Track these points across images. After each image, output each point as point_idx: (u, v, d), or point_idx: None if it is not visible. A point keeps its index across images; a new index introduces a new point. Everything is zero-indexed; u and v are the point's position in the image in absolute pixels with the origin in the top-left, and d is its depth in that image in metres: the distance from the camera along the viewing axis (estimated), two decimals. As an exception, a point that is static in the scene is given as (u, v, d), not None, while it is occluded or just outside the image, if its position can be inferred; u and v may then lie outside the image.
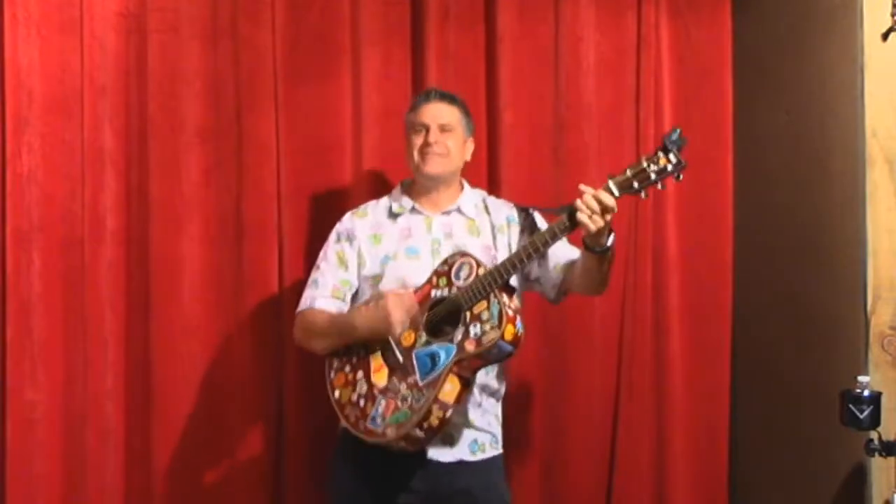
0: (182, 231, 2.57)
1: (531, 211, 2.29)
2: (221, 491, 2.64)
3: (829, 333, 2.54)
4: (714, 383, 2.87)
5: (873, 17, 2.37)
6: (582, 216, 1.92)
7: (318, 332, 2.19)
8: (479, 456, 2.20)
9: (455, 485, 2.17)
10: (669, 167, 1.93)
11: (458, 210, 2.28)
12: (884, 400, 2.25)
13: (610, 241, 2.00)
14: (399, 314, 2.05)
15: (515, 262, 2.03)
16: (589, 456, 2.82)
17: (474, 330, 2.02)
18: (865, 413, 2.21)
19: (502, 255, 2.17)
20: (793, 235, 2.69)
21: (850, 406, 2.23)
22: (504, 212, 2.30)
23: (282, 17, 2.64)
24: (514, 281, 2.13)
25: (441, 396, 2.02)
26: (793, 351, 2.68)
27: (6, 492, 2.50)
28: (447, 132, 2.25)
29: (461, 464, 2.17)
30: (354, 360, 2.15)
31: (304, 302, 2.25)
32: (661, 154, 1.93)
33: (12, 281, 2.50)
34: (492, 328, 2.00)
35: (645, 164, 1.94)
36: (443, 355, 2.04)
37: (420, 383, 2.05)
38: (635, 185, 1.95)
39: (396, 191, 2.33)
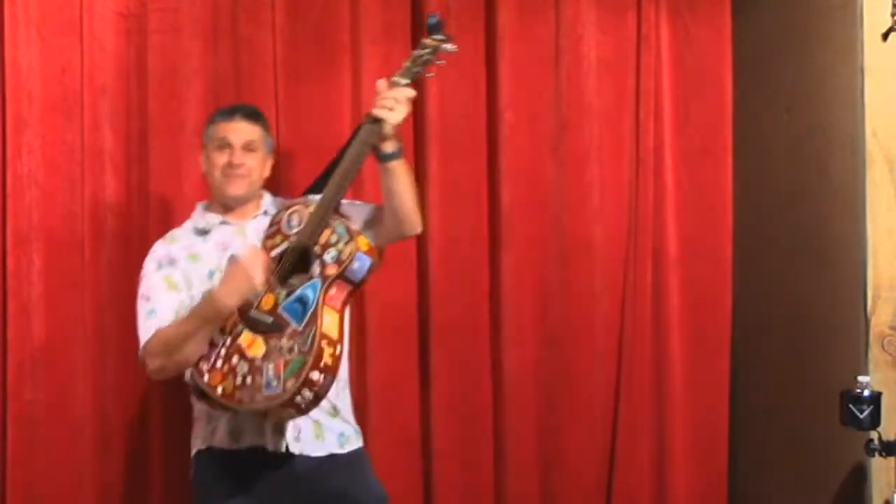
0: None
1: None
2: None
3: (829, 333, 2.55)
4: (714, 383, 2.88)
5: (873, 17, 2.39)
6: (383, 110, 2.02)
7: (179, 339, 2.08)
8: (347, 448, 2.21)
9: (330, 488, 2.17)
10: (441, 45, 2.09)
11: (265, 213, 2.27)
12: (884, 400, 2.27)
13: (398, 145, 2.08)
14: (256, 266, 2.02)
15: (339, 181, 2.06)
16: (589, 455, 2.84)
17: (329, 255, 2.04)
18: (865, 413, 2.23)
19: None
20: (793, 235, 2.70)
21: (850, 406, 2.25)
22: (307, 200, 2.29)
23: (282, 17, 2.65)
24: None
25: (325, 330, 2.02)
26: (793, 351, 2.69)
27: (6, 492, 2.50)
28: (251, 151, 2.24)
29: (332, 458, 2.18)
30: (223, 352, 2.09)
31: (148, 332, 2.13)
32: (426, 40, 2.09)
33: (13, 281, 2.50)
34: (345, 244, 2.03)
35: (417, 53, 2.09)
36: (310, 293, 2.05)
37: (299, 328, 2.03)
38: (416, 69, 2.08)
39: (197, 213, 2.32)
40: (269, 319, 2.05)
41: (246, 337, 2.07)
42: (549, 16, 2.82)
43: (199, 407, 2.17)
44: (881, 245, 2.40)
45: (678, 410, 2.87)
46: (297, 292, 2.06)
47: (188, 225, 2.30)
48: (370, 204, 2.27)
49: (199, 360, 2.07)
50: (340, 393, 2.20)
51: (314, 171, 2.69)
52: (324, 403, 2.03)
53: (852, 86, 2.44)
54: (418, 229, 2.19)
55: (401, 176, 2.10)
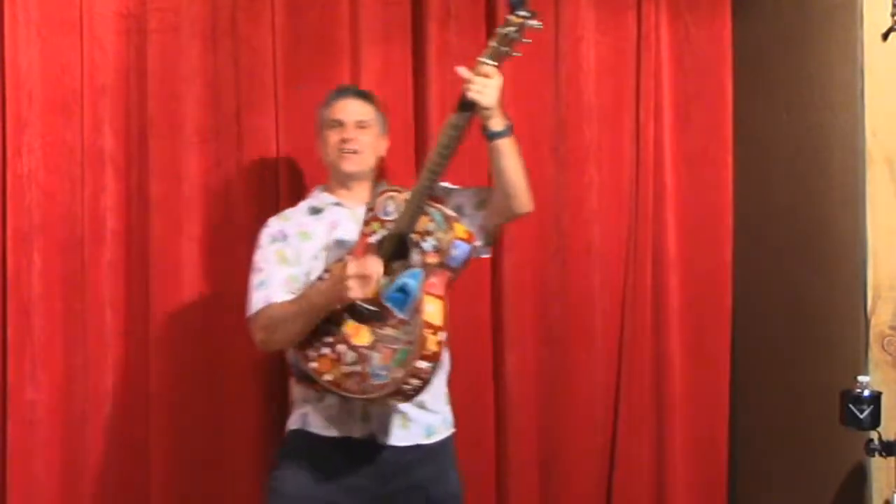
0: (182, 231, 2.58)
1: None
2: (221, 491, 2.65)
3: (829, 333, 2.55)
4: (714, 383, 2.89)
5: (873, 17, 2.39)
6: (472, 93, 2.01)
7: (283, 319, 2.15)
8: (434, 438, 2.23)
9: (409, 479, 2.18)
10: (526, 21, 2.04)
11: None
12: (884, 400, 2.27)
13: (506, 123, 2.08)
14: (366, 283, 2.03)
15: (433, 168, 2.06)
16: (589, 455, 2.84)
17: (427, 244, 2.05)
18: (865, 413, 2.24)
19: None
20: (793, 235, 2.70)
21: (850, 406, 2.25)
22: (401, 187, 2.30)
23: (282, 17, 2.64)
24: None
25: (428, 319, 2.04)
26: (793, 351, 2.69)
27: (6, 492, 2.50)
28: (363, 128, 2.27)
29: (417, 448, 2.20)
30: (329, 339, 2.13)
31: (258, 303, 2.20)
32: (510, 17, 2.04)
33: (13, 281, 2.50)
34: (443, 232, 2.05)
35: (502, 31, 2.05)
36: (411, 282, 2.06)
37: (403, 317, 2.07)
38: (504, 49, 2.05)
39: (315, 192, 2.35)
40: (373, 308, 2.07)
41: (350, 325, 2.10)
42: (549, 16, 2.80)
43: (296, 390, 2.21)
44: (881, 245, 2.40)
45: (678, 410, 2.87)
46: (399, 281, 2.08)
47: (303, 204, 2.34)
48: (478, 186, 2.29)
49: (304, 345, 2.11)
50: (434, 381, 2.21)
51: (314, 170, 2.71)
52: None
53: (852, 86, 2.44)
54: (529, 207, 2.20)
55: (509, 154, 2.11)
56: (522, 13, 2.03)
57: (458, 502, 2.28)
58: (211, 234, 2.62)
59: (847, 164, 2.47)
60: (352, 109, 2.29)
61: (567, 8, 2.80)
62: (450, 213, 2.07)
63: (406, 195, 2.09)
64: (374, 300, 2.07)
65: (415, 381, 2.03)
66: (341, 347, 2.11)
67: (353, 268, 2.01)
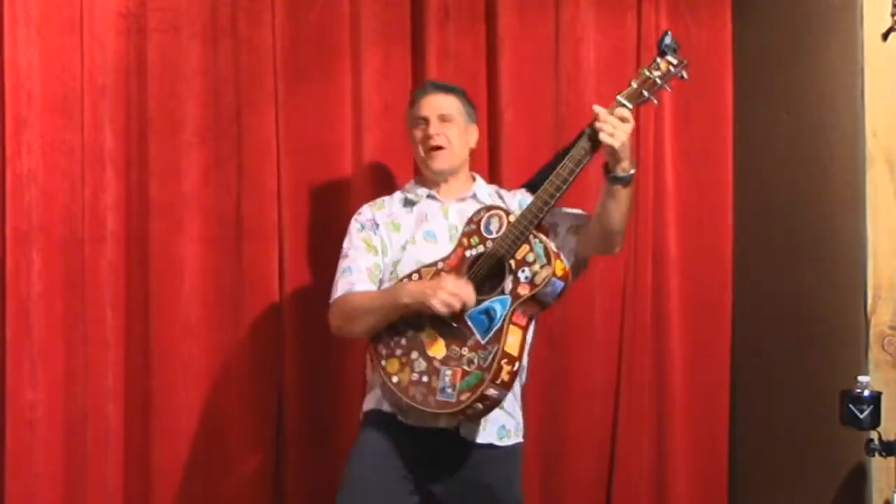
0: (182, 231, 2.60)
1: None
2: (221, 491, 2.67)
3: (829, 333, 2.56)
4: (714, 382, 2.91)
5: (873, 17, 2.40)
6: (603, 135, 1.98)
7: (362, 311, 2.17)
8: (506, 442, 2.23)
9: (477, 476, 2.18)
10: (672, 69, 2.02)
11: (474, 196, 2.30)
12: (884, 400, 2.28)
13: (633, 169, 2.05)
14: (452, 301, 2.04)
15: (546, 199, 2.04)
16: (589, 452, 2.86)
17: (524, 275, 2.04)
18: (865, 413, 2.25)
19: None
20: (793, 235, 2.71)
21: (850, 406, 2.26)
22: (517, 198, 2.32)
23: (282, 17, 2.68)
24: None
25: (507, 349, 2.04)
26: (793, 350, 2.71)
27: (6, 492, 2.52)
28: (447, 122, 2.28)
29: (490, 447, 2.20)
30: (404, 342, 2.14)
31: (342, 289, 2.24)
32: (659, 60, 2.02)
33: (12, 281, 2.53)
34: (542, 267, 2.04)
35: (647, 73, 2.03)
36: (498, 308, 2.05)
37: (482, 341, 2.05)
38: (644, 93, 2.03)
39: (410, 184, 2.36)
40: (454, 324, 2.07)
41: (429, 334, 2.11)
42: (549, 17, 2.84)
43: (372, 374, 2.23)
44: (881, 245, 2.41)
45: (678, 409, 2.89)
46: (486, 303, 2.07)
47: (398, 195, 2.36)
48: (580, 211, 2.27)
49: (378, 340, 2.13)
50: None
51: (314, 170, 2.72)
52: None
53: (852, 86, 2.44)
54: (616, 251, 2.21)
55: (621, 201, 2.09)
56: (673, 60, 2.01)
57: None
58: (211, 234, 2.65)
59: (847, 164, 2.48)
60: (434, 104, 2.29)
61: (567, 9, 2.82)
62: (552, 248, 2.05)
63: (512, 217, 2.08)
64: (458, 315, 2.07)
65: (479, 406, 2.03)
66: (414, 354, 2.12)
67: (450, 285, 2.03)
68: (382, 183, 2.67)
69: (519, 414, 2.26)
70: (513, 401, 2.23)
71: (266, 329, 2.68)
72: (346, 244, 2.30)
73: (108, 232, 2.61)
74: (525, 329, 2.07)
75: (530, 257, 2.05)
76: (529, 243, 2.05)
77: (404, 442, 2.15)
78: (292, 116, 2.69)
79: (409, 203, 2.32)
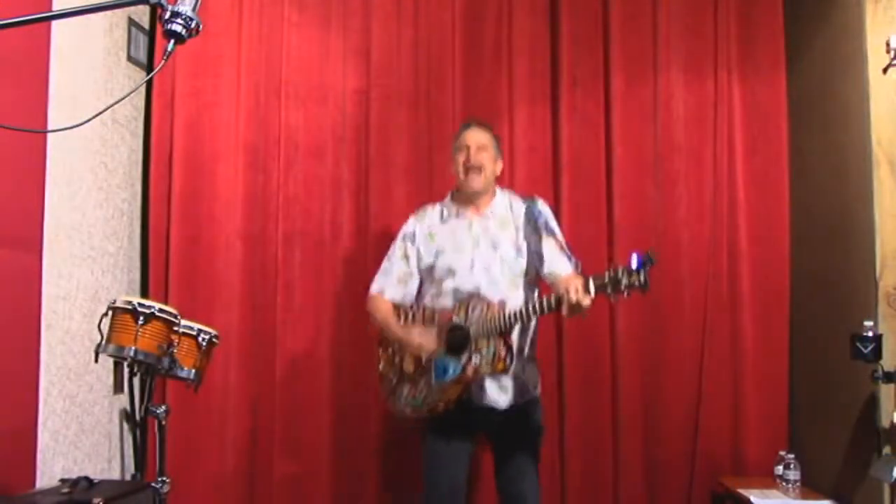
0: (390, 234, 3.17)
1: (535, 201, 2.68)
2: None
3: (850, 293, 2.90)
4: (776, 347, 3.39)
5: (876, 57, 2.78)
6: (564, 308, 2.29)
7: (377, 320, 2.68)
8: (526, 397, 2.63)
9: (506, 424, 2.61)
10: (637, 283, 2.14)
11: (492, 212, 2.66)
12: (887, 342, 2.66)
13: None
14: (420, 348, 2.52)
15: (513, 322, 2.43)
16: (680, 400, 3.41)
17: (476, 359, 2.43)
18: (869, 349, 2.67)
19: (521, 241, 2.60)
20: (824, 223, 3.09)
21: (857, 344, 2.70)
22: (522, 208, 2.65)
23: (460, 87, 3.48)
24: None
25: (446, 395, 2.51)
26: (826, 308, 3.10)
27: (276, 407, 3.33)
28: (482, 150, 2.62)
29: (513, 407, 2.61)
30: (397, 345, 2.68)
31: (376, 286, 2.69)
32: (633, 273, 2.13)
33: (283, 268, 3.43)
34: (486, 364, 2.44)
35: (617, 277, 2.16)
36: (451, 369, 2.47)
37: (432, 383, 2.51)
38: (609, 290, 2.18)
39: (447, 198, 2.73)
40: (424, 359, 2.55)
41: (410, 354, 2.61)
42: (649, 81, 3.50)
43: None
44: (886, 226, 2.76)
45: (749, 364, 3.37)
46: (447, 359, 2.48)
47: (438, 207, 2.74)
48: (567, 259, 2.55)
49: (384, 341, 2.69)
50: (520, 369, 2.58)
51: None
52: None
53: (861, 109, 2.78)
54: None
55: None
56: (640, 277, 2.10)
57: (540, 432, 2.72)
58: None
59: (859, 167, 2.81)
60: (473, 137, 2.63)
61: (663, 74, 3.51)
62: (502, 354, 2.39)
63: (489, 313, 2.43)
64: (432, 355, 2.53)
65: (415, 415, 2.56)
66: (398, 359, 2.64)
67: (415, 343, 2.50)
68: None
69: (535, 377, 2.65)
70: (528, 363, 2.60)
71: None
72: (392, 246, 2.72)
73: (344, 234, 3.45)
74: (466, 384, 2.50)
75: (484, 351, 2.44)
76: (488, 341, 2.43)
77: (457, 418, 2.59)
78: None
79: (444, 219, 2.66)
